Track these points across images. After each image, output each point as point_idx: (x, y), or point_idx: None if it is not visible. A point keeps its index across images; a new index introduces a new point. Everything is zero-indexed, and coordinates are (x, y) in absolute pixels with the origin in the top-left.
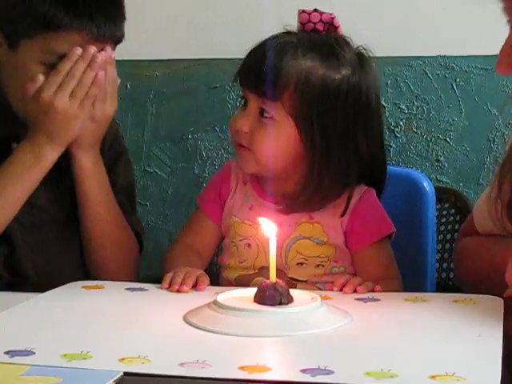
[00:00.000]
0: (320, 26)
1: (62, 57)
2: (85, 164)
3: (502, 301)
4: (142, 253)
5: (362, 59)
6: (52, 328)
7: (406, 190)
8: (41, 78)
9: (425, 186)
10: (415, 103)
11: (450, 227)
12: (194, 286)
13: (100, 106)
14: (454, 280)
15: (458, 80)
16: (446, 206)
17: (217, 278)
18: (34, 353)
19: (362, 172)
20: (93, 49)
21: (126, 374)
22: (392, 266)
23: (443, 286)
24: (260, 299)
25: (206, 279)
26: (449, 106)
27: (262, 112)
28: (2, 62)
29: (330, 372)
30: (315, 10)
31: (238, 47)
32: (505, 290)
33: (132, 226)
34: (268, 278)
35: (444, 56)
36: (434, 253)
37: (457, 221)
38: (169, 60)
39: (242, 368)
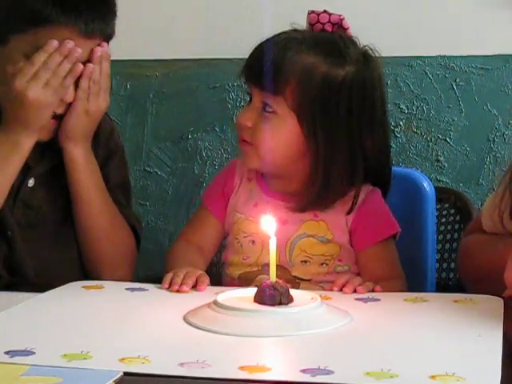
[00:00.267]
0: (328, 27)
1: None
2: (76, 155)
3: (502, 301)
4: (139, 247)
5: (367, 58)
6: (52, 328)
7: (406, 190)
8: (21, 63)
9: (425, 186)
10: (415, 103)
11: (449, 227)
12: (194, 286)
13: (94, 99)
14: (453, 280)
15: (457, 80)
16: (446, 205)
17: (217, 277)
18: (34, 353)
19: (368, 172)
20: (70, 43)
21: (125, 373)
22: (396, 266)
23: (443, 286)
24: (260, 299)
25: (206, 279)
26: (449, 106)
27: (265, 107)
28: None
29: (329, 372)
30: (324, 11)
31: (238, 47)
32: (504, 289)
33: (128, 220)
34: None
35: (444, 56)
36: (434, 253)
37: (457, 221)
38: (169, 60)
39: (241, 368)
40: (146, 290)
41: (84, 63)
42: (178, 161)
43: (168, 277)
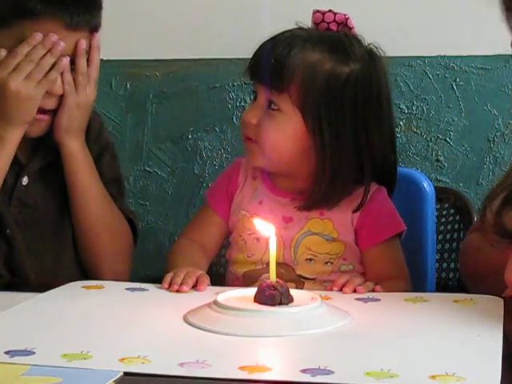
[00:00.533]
0: (334, 26)
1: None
2: (73, 149)
3: (502, 301)
4: (137, 239)
5: (372, 56)
6: (52, 328)
7: (406, 190)
8: (2, 53)
9: (425, 186)
10: (415, 103)
11: (449, 227)
12: (194, 286)
13: (83, 90)
14: (453, 280)
15: (457, 80)
16: (446, 205)
17: (217, 277)
18: (34, 353)
19: (374, 170)
20: (54, 36)
21: (125, 373)
22: (401, 265)
23: (443, 286)
24: (260, 299)
25: (207, 279)
26: (449, 106)
27: (270, 104)
28: None
29: (329, 372)
30: (329, 11)
31: (238, 47)
32: (505, 289)
33: (123, 212)
34: (276, 273)
35: (444, 56)
36: (434, 253)
37: (457, 221)
38: (169, 60)
39: (241, 368)
40: (146, 289)
41: (70, 55)
42: (178, 161)
43: (168, 277)
